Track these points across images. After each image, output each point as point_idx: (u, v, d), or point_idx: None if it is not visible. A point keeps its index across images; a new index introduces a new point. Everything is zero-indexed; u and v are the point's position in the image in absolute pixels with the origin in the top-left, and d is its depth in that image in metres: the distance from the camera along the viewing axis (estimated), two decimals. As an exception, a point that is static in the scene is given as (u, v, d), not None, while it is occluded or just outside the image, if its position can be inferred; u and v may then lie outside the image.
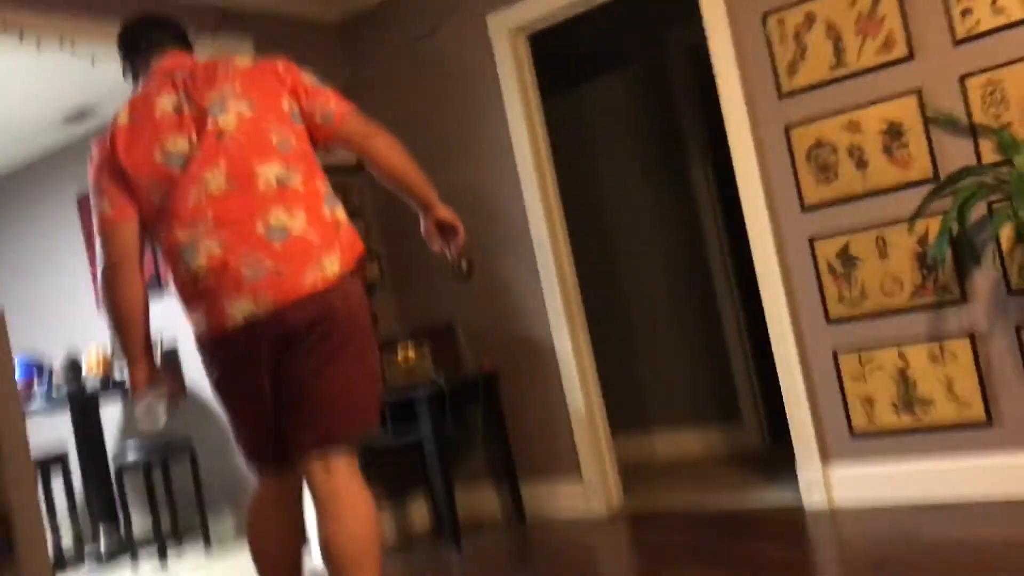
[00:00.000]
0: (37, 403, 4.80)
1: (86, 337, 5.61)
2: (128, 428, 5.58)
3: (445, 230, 2.59)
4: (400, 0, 4.27)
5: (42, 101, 4.94)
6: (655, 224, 4.79)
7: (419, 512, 4.37)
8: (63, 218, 5.72)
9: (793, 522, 3.24)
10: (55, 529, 4.93)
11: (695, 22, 3.60)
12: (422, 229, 2.61)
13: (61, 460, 5.14)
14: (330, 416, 2.20)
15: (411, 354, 3.95)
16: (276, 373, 2.23)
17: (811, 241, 3.29)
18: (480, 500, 4.28)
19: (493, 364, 4.12)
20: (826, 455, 3.32)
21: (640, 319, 4.87)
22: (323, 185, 2.31)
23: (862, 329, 3.21)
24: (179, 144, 2.22)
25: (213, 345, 2.25)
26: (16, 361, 3.30)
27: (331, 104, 2.32)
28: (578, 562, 3.33)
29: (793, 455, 3.41)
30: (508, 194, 4.04)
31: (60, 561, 4.80)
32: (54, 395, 4.86)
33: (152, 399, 2.32)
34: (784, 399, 3.39)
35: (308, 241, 2.19)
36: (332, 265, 2.19)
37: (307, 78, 2.34)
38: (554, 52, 4.43)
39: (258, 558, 2.35)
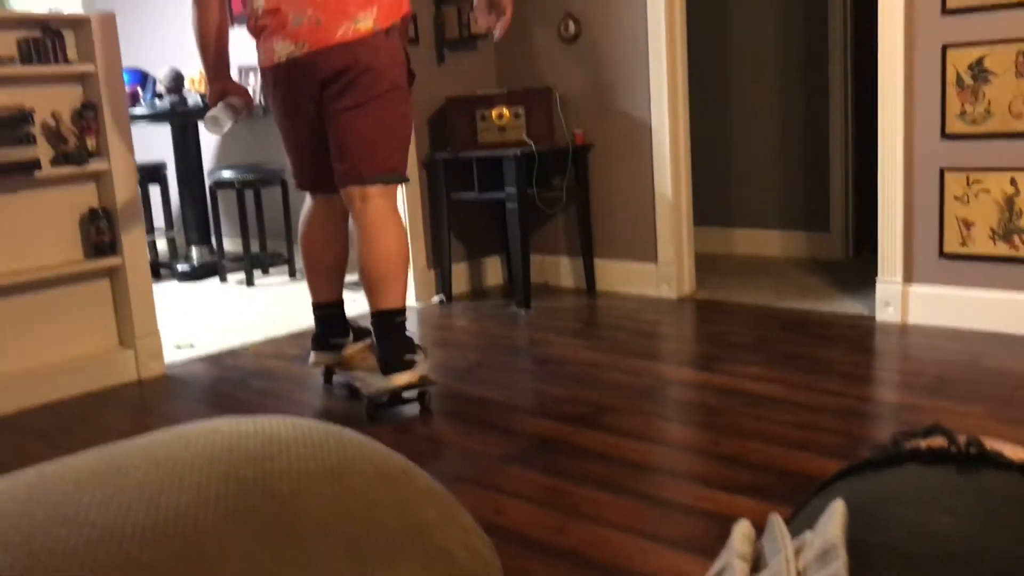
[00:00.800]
0: (141, 110, 4.92)
1: (189, 51, 5.66)
2: (223, 149, 5.74)
3: (497, 6, 2.68)
4: None
5: None
6: (777, 9, 4.52)
7: (493, 269, 4.50)
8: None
9: (861, 331, 3.25)
10: (150, 238, 5.21)
11: None
12: (475, 1, 2.70)
13: (160, 170, 5.36)
14: (356, 156, 2.53)
15: (506, 114, 3.92)
16: (320, 113, 2.57)
17: (944, 48, 3.08)
18: (554, 267, 4.37)
19: (585, 136, 4.08)
20: (909, 271, 3.28)
21: (743, 111, 4.71)
22: None
23: (977, 149, 3.06)
24: None
25: (267, 77, 2.61)
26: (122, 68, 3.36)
27: None
28: (639, 333, 3.42)
29: (875, 269, 3.37)
30: (628, -42, 3.83)
31: (154, 269, 5.10)
32: (157, 105, 4.97)
33: (220, 110, 2.63)
34: (879, 209, 3.31)
35: None
36: (366, 21, 2.42)
37: None
38: None
39: (307, 262, 2.87)
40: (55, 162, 3.03)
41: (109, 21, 3.09)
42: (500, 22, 2.67)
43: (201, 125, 5.50)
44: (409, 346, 2.66)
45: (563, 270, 4.35)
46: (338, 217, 2.81)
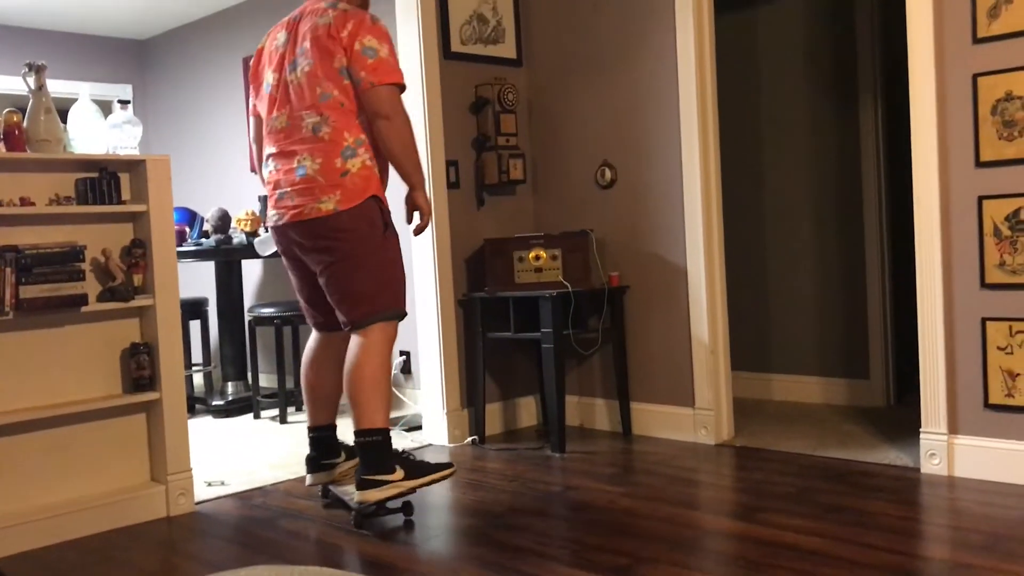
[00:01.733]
0: (187, 247, 5.05)
1: (236, 194, 5.86)
2: (264, 287, 5.85)
3: (420, 209, 3.11)
4: None
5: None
6: (811, 160, 4.61)
7: (528, 410, 4.46)
8: (228, 77, 5.91)
9: (906, 483, 3.15)
10: (187, 373, 5.25)
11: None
12: (405, 199, 3.12)
13: (202, 306, 5.45)
14: (346, 307, 2.96)
15: (543, 255, 3.97)
16: (310, 267, 3.04)
17: (980, 199, 3.10)
18: (589, 409, 4.33)
19: (621, 278, 4.11)
20: (954, 423, 3.20)
21: (779, 256, 4.74)
22: (349, 135, 2.90)
23: (1019, 299, 3.04)
24: (271, 78, 3.03)
25: (272, 233, 3.12)
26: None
27: (362, 74, 2.85)
28: (677, 480, 3.34)
29: (917, 418, 3.30)
30: (664, 108, 3.95)
31: (190, 404, 5.13)
32: (203, 243, 5.11)
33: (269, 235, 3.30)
34: (920, 359, 3.26)
35: (316, 182, 2.89)
36: (328, 204, 2.88)
37: (360, 45, 2.85)
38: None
39: (305, 390, 3.24)
40: (101, 297, 3.10)
41: (163, 164, 3.22)
42: (421, 221, 3.12)
43: (247, 265, 5.63)
44: (381, 465, 2.91)
45: (599, 413, 4.30)
46: (334, 352, 3.18)
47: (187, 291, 4.99)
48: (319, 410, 3.22)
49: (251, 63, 3.19)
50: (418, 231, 3.15)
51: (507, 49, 4.40)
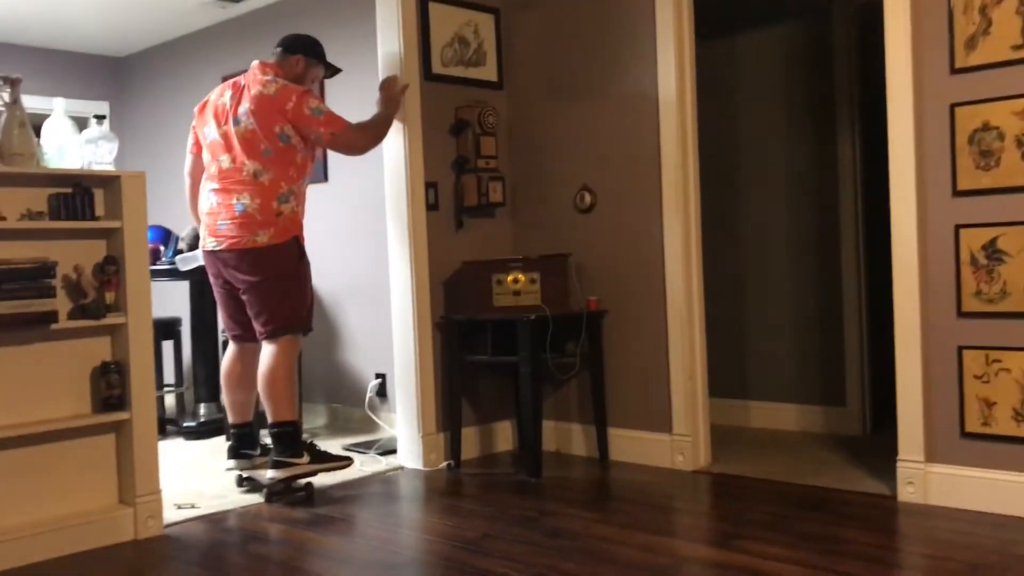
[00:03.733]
0: (161, 266, 4.98)
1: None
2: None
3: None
4: (567, -79, 4.18)
5: (204, -22, 5.06)
6: (789, 193, 4.63)
7: (504, 434, 4.42)
8: (205, 94, 5.86)
9: (883, 511, 3.14)
10: (159, 393, 5.17)
11: (872, -19, 3.41)
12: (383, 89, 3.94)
13: (175, 326, 5.38)
14: (261, 321, 3.60)
15: (521, 279, 3.96)
16: (233, 286, 3.67)
17: (957, 228, 3.12)
18: (566, 434, 4.30)
19: (599, 303, 4.10)
20: (931, 451, 3.20)
21: (758, 284, 4.75)
22: (285, 185, 3.57)
23: (995, 328, 3.05)
24: (214, 128, 3.66)
25: (204, 257, 3.73)
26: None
27: (320, 129, 3.61)
28: (653, 507, 3.31)
29: (893, 446, 3.30)
30: (644, 133, 3.96)
31: (160, 425, 5.04)
32: (176, 262, 5.04)
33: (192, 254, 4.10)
34: (897, 388, 3.26)
35: (254, 218, 3.53)
36: (262, 237, 3.52)
37: (308, 109, 3.57)
38: (715, -5, 4.28)
39: (226, 392, 3.82)
40: (72, 315, 3.05)
41: (138, 180, 3.18)
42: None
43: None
44: (290, 449, 3.56)
45: (575, 438, 4.27)
46: (248, 360, 3.75)
47: (160, 311, 4.92)
48: (238, 410, 3.82)
49: (196, 109, 3.81)
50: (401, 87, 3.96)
51: (488, 72, 4.40)
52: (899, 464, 3.26)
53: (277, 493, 3.59)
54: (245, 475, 3.79)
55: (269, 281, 3.55)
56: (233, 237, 3.54)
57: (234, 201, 3.55)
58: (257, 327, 3.62)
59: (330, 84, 5.21)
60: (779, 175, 4.65)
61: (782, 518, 3.10)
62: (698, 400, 3.91)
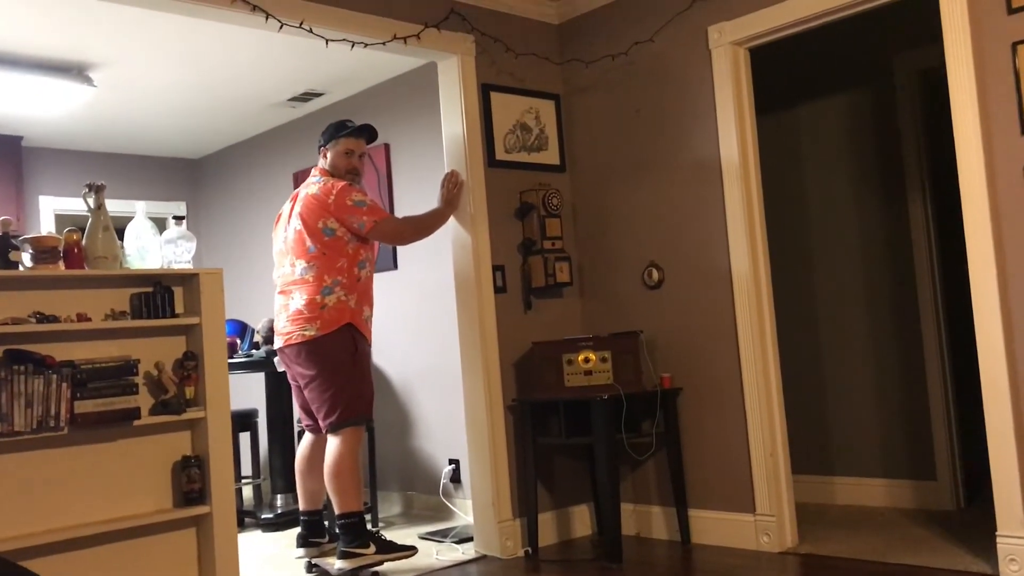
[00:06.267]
0: (238, 359, 5.08)
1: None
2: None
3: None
4: (622, 4, 4.27)
5: (273, 80, 5.26)
6: (863, 260, 4.55)
7: (582, 519, 4.34)
8: (278, 190, 6.05)
9: (986, 592, 2.99)
10: (237, 486, 5.21)
11: (930, 45, 3.39)
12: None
13: (251, 417, 5.45)
14: (322, 415, 3.73)
15: (592, 358, 3.93)
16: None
17: (1042, 290, 3.02)
18: (645, 516, 4.20)
19: (673, 380, 4.04)
20: (1032, 525, 3.04)
21: (835, 357, 4.64)
22: (328, 277, 3.70)
23: (1092, 393, 2.92)
24: (279, 238, 3.92)
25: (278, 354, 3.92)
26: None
27: (364, 219, 3.73)
28: (742, 595, 3.20)
29: (990, 521, 3.15)
30: (710, 212, 3.95)
31: (239, 517, 5.07)
32: (254, 355, 5.14)
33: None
34: (990, 458, 3.13)
35: (302, 313, 3.71)
36: (309, 331, 3.68)
37: (351, 201, 3.72)
38: (773, 68, 4.29)
39: (298, 481, 3.94)
40: (154, 410, 3.11)
41: (215, 277, 3.26)
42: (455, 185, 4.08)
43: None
44: (357, 540, 3.64)
45: (655, 520, 4.17)
46: (320, 451, 3.82)
47: (237, 402, 5.00)
48: (308, 498, 3.93)
49: (275, 219, 4.04)
50: (457, 183, 4.09)
51: (550, 156, 4.47)
52: (999, 540, 3.11)
53: None
54: (314, 562, 3.88)
55: (326, 374, 3.68)
56: (288, 333, 3.75)
57: (289, 301, 3.77)
58: (320, 420, 3.74)
59: (397, 175, 5.34)
60: (851, 243, 4.58)
61: (877, 600, 2.96)
62: (780, 478, 3.79)
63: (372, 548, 3.66)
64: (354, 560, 3.63)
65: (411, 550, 3.79)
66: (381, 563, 3.70)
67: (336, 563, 3.67)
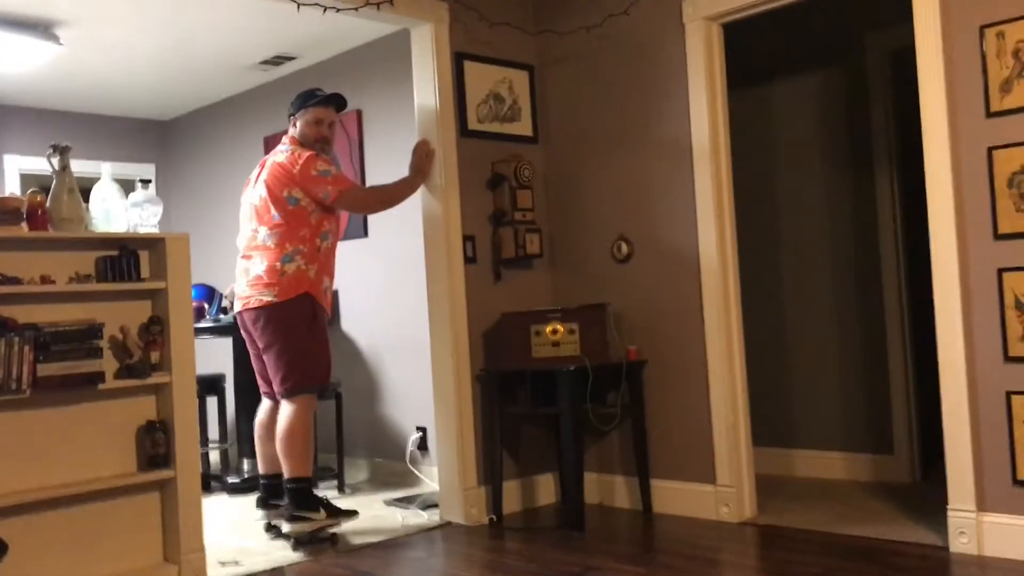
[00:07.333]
0: (205, 324, 5.07)
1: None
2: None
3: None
4: (598, -23, 4.25)
5: (244, 42, 5.20)
6: (828, 236, 4.60)
7: (546, 487, 4.39)
8: (249, 155, 6.00)
9: (936, 563, 3.07)
10: (203, 450, 5.22)
11: (900, 26, 3.42)
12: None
13: (219, 382, 5.45)
14: (277, 380, 3.78)
15: (560, 329, 3.96)
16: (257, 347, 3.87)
17: (1000, 272, 3.08)
18: (608, 485, 4.26)
19: (639, 352, 4.08)
20: (982, 500, 3.12)
21: (799, 331, 4.70)
22: (290, 245, 3.73)
23: (1044, 373, 2.99)
24: (245, 203, 3.97)
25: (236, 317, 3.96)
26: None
27: (328, 188, 3.76)
28: (699, 560, 3.26)
29: (944, 494, 3.22)
30: (679, 188, 3.97)
31: (205, 482, 5.08)
32: (222, 319, 5.13)
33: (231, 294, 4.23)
34: (944, 436, 3.20)
35: (261, 279, 3.75)
36: (267, 296, 3.72)
37: (315, 172, 3.74)
38: (744, 44, 4.31)
39: (257, 446, 4.02)
40: (119, 374, 3.10)
41: (182, 241, 3.25)
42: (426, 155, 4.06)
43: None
44: (305, 505, 3.73)
45: (618, 490, 4.23)
46: (278, 417, 3.85)
47: (205, 367, 4.99)
48: (268, 462, 3.97)
49: (244, 183, 4.06)
50: (427, 152, 4.07)
51: (523, 127, 4.46)
52: (950, 514, 3.19)
53: (304, 543, 3.74)
54: (273, 523, 3.98)
55: (282, 340, 3.72)
56: (247, 298, 3.79)
57: (250, 266, 3.82)
58: (275, 385, 3.80)
59: (369, 142, 5.31)
60: (819, 220, 4.63)
61: (830, 570, 3.04)
62: (741, 450, 3.86)
63: (322, 513, 3.77)
64: (304, 524, 3.72)
65: (353, 514, 3.91)
66: (330, 526, 3.80)
67: (284, 526, 3.79)
